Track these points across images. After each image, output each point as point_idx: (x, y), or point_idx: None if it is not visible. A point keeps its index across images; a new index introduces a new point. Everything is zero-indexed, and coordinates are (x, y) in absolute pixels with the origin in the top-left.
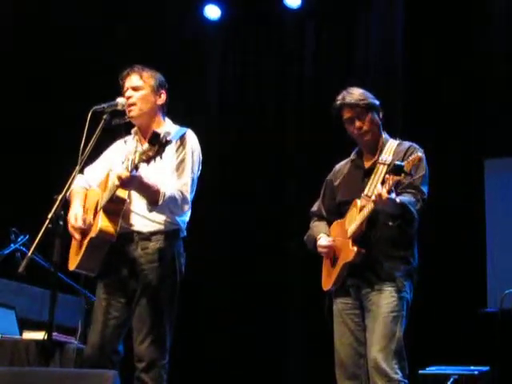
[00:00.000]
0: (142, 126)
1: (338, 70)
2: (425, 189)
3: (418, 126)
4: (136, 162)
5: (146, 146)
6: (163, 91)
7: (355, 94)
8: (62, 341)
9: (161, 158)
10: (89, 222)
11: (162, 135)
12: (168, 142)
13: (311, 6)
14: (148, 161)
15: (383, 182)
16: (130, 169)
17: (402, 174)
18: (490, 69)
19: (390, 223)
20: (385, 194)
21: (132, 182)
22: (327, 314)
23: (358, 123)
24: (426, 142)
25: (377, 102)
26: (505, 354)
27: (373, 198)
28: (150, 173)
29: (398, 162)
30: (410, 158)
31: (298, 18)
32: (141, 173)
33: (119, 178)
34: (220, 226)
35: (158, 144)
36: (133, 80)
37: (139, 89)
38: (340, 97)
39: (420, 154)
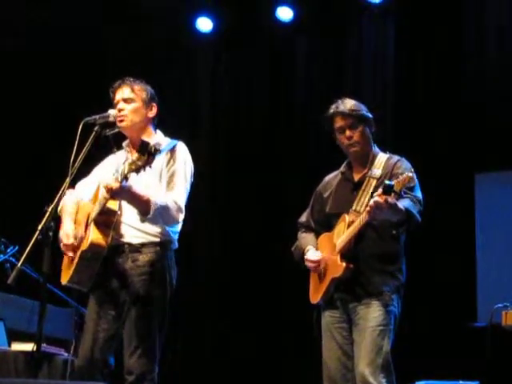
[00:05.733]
0: (132, 138)
1: (329, 83)
2: (418, 193)
3: (408, 139)
4: (126, 172)
5: (135, 155)
6: (154, 104)
7: (349, 103)
8: (51, 352)
9: (150, 167)
10: (80, 236)
11: (150, 144)
12: (157, 151)
13: (303, 19)
14: (137, 170)
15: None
16: (120, 179)
17: (392, 194)
18: (481, 84)
19: (394, 232)
20: (382, 201)
21: (122, 192)
22: (315, 327)
23: (348, 132)
24: (416, 156)
25: (370, 115)
26: (494, 368)
27: (367, 208)
28: (142, 184)
29: (387, 182)
30: (401, 177)
31: (289, 31)
32: (131, 183)
33: (109, 188)
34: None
35: (147, 153)
36: (124, 92)
37: (131, 101)
38: (333, 105)
39: (410, 174)
